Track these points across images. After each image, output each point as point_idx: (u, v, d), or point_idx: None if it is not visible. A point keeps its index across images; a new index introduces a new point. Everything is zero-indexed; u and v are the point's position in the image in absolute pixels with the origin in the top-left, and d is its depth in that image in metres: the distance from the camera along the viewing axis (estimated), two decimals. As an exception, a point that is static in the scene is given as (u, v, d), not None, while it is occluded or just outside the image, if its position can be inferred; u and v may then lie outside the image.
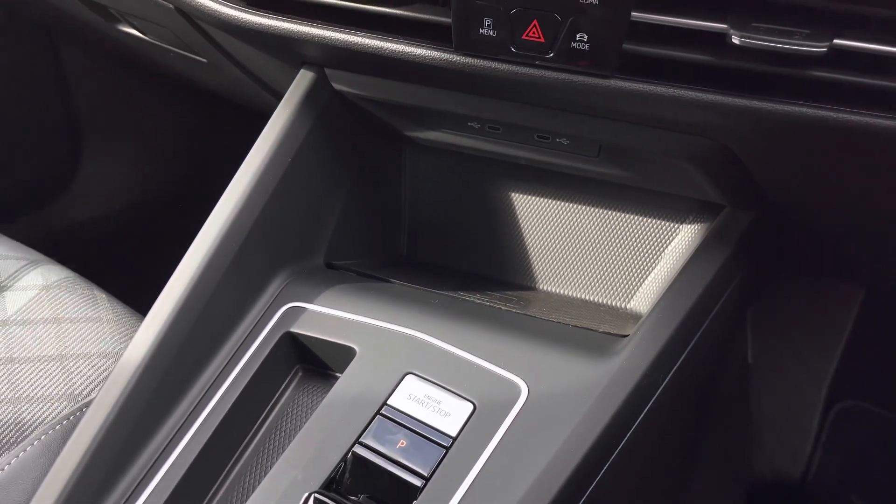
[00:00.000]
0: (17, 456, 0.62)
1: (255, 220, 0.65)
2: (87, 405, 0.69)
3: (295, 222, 0.70)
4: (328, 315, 0.63)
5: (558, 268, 0.78)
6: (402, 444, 0.55)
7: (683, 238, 0.73)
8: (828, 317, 1.20)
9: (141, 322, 0.79)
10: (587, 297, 0.77)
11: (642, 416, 0.59)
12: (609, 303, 0.76)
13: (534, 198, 0.79)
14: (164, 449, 0.57)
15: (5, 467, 0.61)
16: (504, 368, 0.58)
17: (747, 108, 0.52)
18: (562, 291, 0.78)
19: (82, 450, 0.54)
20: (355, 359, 0.60)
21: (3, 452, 0.68)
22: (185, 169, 1.43)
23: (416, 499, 0.52)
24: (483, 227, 0.81)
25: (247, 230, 0.65)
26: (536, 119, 0.64)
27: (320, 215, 0.73)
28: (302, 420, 0.62)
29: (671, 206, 0.73)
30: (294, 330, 0.63)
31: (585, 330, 0.63)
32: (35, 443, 0.65)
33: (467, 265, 0.82)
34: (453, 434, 0.55)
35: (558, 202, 0.78)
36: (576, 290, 0.78)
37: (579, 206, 0.78)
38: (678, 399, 0.65)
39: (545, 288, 0.79)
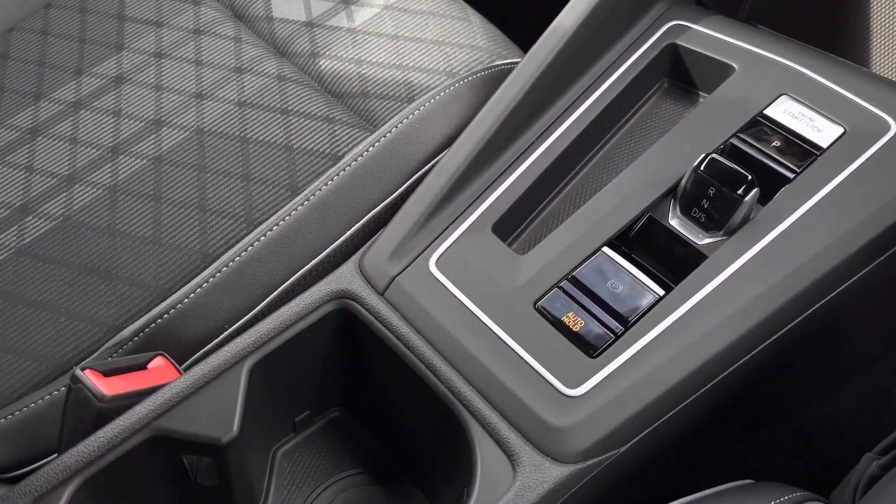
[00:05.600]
0: (439, 94, 0.78)
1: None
2: (461, 81, 0.82)
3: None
4: (710, 35, 0.72)
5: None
6: (777, 144, 0.64)
7: None
8: None
9: (504, 37, 0.91)
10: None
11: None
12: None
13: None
14: (561, 115, 0.70)
15: (428, 102, 0.78)
16: (875, 107, 0.65)
17: None
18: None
19: (514, 92, 0.68)
20: (733, 75, 0.69)
21: (401, 105, 0.83)
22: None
23: (783, 186, 0.62)
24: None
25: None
26: None
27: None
28: (666, 123, 0.72)
29: None
30: (678, 42, 0.72)
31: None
32: (433, 100, 0.80)
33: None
34: (824, 146, 0.63)
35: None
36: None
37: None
38: None
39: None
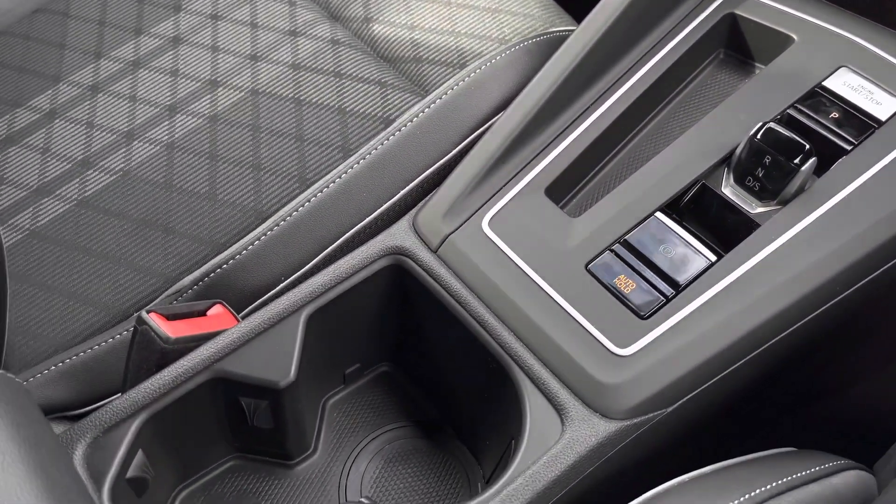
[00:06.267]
0: (492, 60, 0.79)
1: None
2: (515, 48, 0.82)
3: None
4: (769, 5, 0.71)
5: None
6: (835, 115, 0.64)
7: None
8: None
9: (557, 7, 0.91)
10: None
11: None
12: None
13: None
14: (616, 82, 0.70)
15: (480, 68, 0.79)
16: (937, 81, 0.64)
17: None
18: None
19: (570, 57, 0.68)
20: (792, 46, 0.68)
21: (453, 70, 0.83)
22: None
23: (840, 158, 0.62)
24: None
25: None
26: None
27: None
28: (721, 93, 0.72)
29: None
30: (737, 12, 0.71)
31: None
32: (485, 65, 0.80)
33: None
34: (883, 119, 0.63)
35: None
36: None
37: None
38: None
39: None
